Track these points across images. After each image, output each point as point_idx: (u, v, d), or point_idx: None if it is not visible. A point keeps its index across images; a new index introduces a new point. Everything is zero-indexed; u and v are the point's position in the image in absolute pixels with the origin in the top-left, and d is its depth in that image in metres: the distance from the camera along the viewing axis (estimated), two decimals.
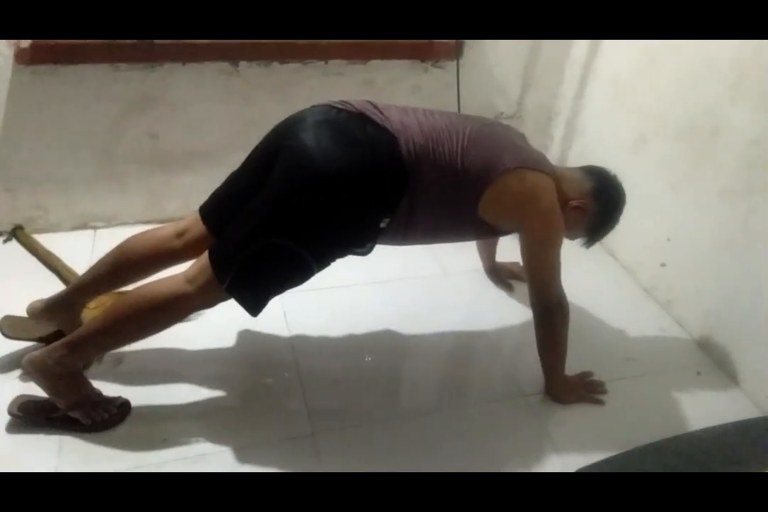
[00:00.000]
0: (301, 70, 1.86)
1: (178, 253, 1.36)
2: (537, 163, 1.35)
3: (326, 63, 1.86)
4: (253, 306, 1.25)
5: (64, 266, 1.75)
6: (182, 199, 1.97)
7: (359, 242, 1.27)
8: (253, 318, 1.25)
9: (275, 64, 1.83)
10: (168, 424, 1.32)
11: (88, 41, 1.62)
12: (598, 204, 1.42)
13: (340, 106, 1.25)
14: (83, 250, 1.83)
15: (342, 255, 1.28)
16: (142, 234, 1.41)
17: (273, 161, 1.22)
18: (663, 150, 1.79)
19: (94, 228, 1.98)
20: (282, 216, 1.19)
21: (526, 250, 1.38)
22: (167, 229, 1.39)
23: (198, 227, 1.36)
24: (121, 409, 1.32)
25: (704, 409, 1.48)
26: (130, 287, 1.42)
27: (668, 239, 1.80)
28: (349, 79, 1.90)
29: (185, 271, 1.25)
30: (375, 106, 1.28)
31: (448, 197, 1.28)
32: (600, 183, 1.44)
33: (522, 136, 1.46)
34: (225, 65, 1.79)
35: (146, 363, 1.47)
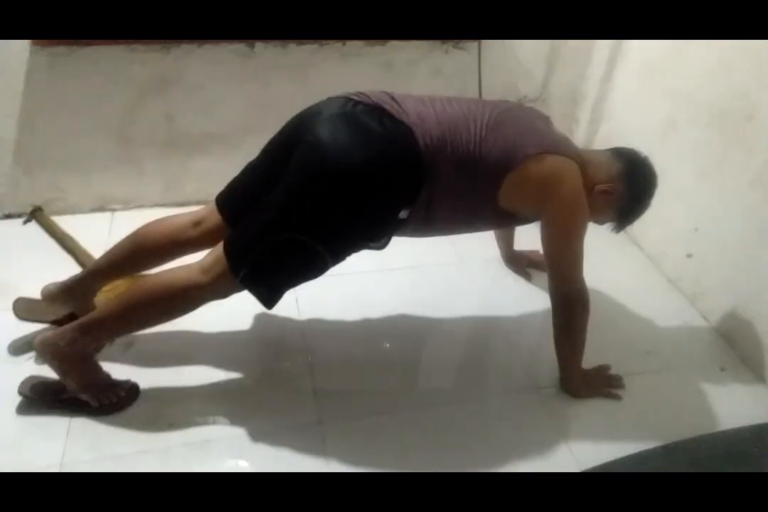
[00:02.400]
0: (318, 52, 1.82)
1: (194, 242, 1.36)
2: (559, 147, 1.30)
3: (344, 44, 1.81)
4: (268, 299, 1.24)
5: (81, 249, 1.76)
6: (199, 181, 1.97)
7: (375, 237, 1.27)
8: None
9: (292, 46, 1.79)
10: (175, 408, 1.32)
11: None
12: (627, 187, 1.36)
13: (356, 99, 1.23)
14: (101, 232, 1.84)
15: (358, 250, 1.27)
16: (158, 221, 1.41)
17: (290, 154, 1.21)
18: (693, 136, 1.71)
19: (112, 210, 1.99)
20: (298, 211, 1.18)
21: (547, 237, 1.33)
22: (184, 218, 1.39)
23: (214, 217, 1.35)
24: (129, 392, 1.32)
25: (727, 407, 1.43)
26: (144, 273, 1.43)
27: (696, 229, 1.73)
28: (367, 61, 1.86)
29: (200, 261, 1.24)
30: (392, 98, 1.25)
31: (467, 187, 1.25)
32: (629, 165, 1.38)
33: (546, 119, 1.41)
34: (241, 46, 1.76)
35: (156, 346, 1.47)
